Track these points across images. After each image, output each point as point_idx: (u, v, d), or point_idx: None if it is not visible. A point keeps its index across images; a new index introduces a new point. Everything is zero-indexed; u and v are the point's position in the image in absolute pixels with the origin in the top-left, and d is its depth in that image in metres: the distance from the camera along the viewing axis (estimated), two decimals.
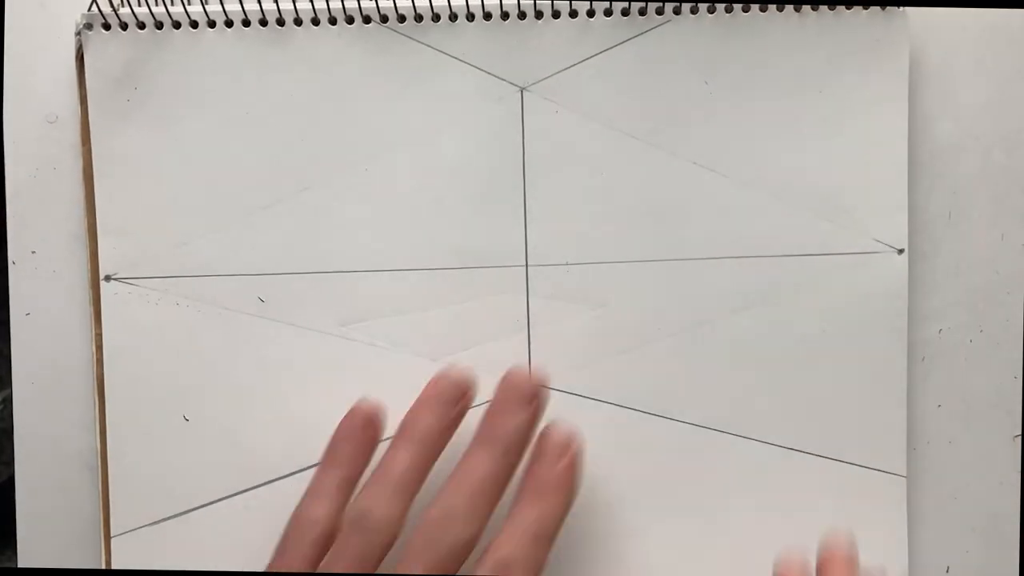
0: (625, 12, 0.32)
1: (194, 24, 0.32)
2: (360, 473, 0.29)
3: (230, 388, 0.32)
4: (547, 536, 0.27)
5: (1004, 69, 0.33)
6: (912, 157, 0.32)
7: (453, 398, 0.29)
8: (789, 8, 0.31)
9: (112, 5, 0.31)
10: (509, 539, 0.27)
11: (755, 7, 0.31)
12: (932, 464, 0.33)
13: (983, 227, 0.33)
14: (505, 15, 0.32)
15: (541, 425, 0.29)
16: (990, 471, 0.33)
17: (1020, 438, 0.33)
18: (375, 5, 0.31)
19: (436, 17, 0.32)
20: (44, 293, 0.33)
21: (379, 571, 0.27)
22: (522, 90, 0.32)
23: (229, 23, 0.32)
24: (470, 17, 0.32)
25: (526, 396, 0.29)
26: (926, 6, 0.32)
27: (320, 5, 0.32)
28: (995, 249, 0.33)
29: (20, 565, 0.33)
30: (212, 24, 0.32)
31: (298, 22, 0.32)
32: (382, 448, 0.29)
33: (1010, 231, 0.33)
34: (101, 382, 0.32)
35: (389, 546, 0.27)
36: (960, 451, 0.33)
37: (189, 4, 0.32)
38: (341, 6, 0.31)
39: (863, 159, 0.32)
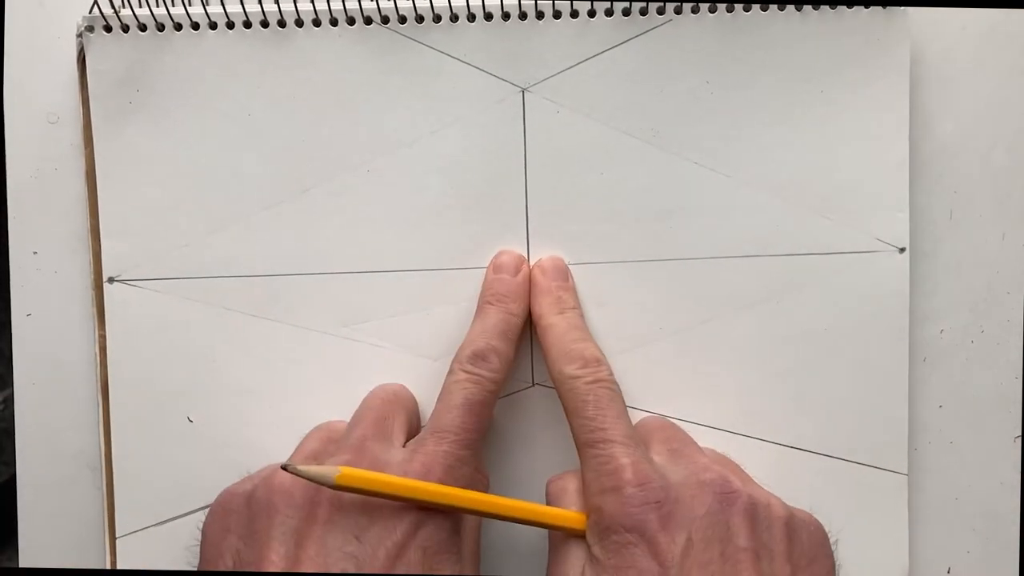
0: (626, 12, 0.32)
1: (195, 26, 0.32)
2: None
3: (233, 389, 0.32)
4: (512, 334, 0.31)
5: (1004, 69, 0.33)
6: (913, 157, 0.32)
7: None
8: (790, 7, 0.31)
9: (113, 7, 0.31)
10: (480, 337, 0.30)
11: (756, 6, 0.31)
12: (933, 464, 0.33)
13: (984, 227, 0.33)
14: (506, 16, 0.32)
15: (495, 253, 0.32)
16: (991, 471, 0.33)
17: (1021, 439, 0.33)
18: (376, 6, 0.31)
19: (437, 18, 0.32)
20: (45, 293, 0.33)
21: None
22: (523, 90, 0.32)
23: (230, 24, 0.32)
24: (471, 18, 0.32)
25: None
26: (927, 6, 0.32)
27: (321, 6, 0.32)
28: (996, 249, 0.33)
29: (21, 565, 0.33)
30: (213, 26, 0.32)
31: (299, 23, 0.32)
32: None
33: (1011, 231, 0.33)
34: (105, 384, 0.32)
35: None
36: (961, 451, 0.33)
37: (190, 6, 0.32)
38: (342, 7, 0.31)
39: (864, 158, 0.32)
